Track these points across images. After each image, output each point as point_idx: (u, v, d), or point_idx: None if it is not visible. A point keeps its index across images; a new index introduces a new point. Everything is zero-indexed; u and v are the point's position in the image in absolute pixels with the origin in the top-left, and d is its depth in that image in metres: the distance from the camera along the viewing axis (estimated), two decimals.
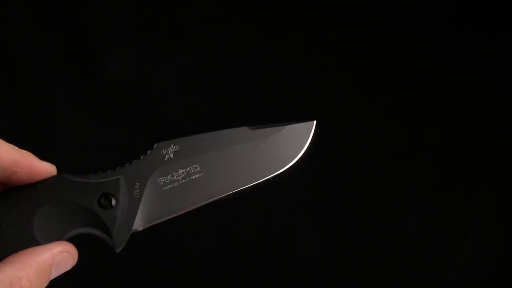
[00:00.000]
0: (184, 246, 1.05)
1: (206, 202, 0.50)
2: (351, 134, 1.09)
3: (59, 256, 0.48)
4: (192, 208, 0.50)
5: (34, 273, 0.46)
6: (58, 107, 1.07)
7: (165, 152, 0.49)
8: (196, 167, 0.50)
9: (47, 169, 0.51)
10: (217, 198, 0.50)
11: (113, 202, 0.47)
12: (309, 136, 0.52)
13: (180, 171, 0.49)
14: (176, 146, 0.50)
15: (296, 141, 0.52)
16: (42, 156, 0.53)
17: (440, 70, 1.11)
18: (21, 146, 1.08)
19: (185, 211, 0.50)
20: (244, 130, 0.51)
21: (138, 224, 0.48)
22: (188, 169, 0.49)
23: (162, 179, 0.49)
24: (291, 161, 0.51)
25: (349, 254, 1.07)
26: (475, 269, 1.07)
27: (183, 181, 0.49)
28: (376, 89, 1.11)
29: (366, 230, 1.08)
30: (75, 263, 0.49)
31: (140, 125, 1.07)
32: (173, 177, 0.49)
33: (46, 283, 0.48)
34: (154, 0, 1.10)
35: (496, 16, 1.12)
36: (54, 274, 0.49)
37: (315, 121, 0.53)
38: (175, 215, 0.49)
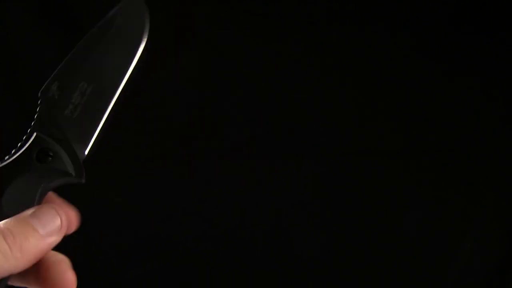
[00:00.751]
0: (184, 246, 1.05)
1: (112, 99, 0.51)
2: (351, 134, 1.09)
3: (37, 209, 0.47)
4: (108, 108, 0.50)
5: (12, 222, 0.46)
6: None
7: (51, 94, 0.51)
8: (83, 85, 0.50)
9: None
10: (117, 91, 0.51)
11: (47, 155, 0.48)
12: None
13: (74, 95, 0.50)
14: (55, 83, 0.51)
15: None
16: None
17: (440, 70, 1.11)
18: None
19: (103, 115, 0.51)
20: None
21: (81, 153, 0.49)
22: (78, 91, 0.50)
23: (67, 112, 0.50)
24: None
25: (349, 254, 1.07)
26: (475, 269, 1.07)
27: (83, 100, 0.50)
28: (376, 89, 1.11)
29: (366, 230, 1.08)
30: (65, 219, 0.49)
31: (140, 125, 1.07)
32: (74, 104, 0.50)
33: (34, 236, 0.47)
34: (154, 0, 1.10)
35: (496, 16, 1.12)
36: (41, 228, 0.47)
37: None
38: (99, 124, 0.50)
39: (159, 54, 1.10)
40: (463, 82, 1.11)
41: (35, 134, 0.49)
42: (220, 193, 1.08)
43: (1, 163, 0.48)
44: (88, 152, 0.50)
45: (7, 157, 0.48)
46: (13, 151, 0.48)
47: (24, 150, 0.48)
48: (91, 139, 0.50)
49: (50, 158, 0.48)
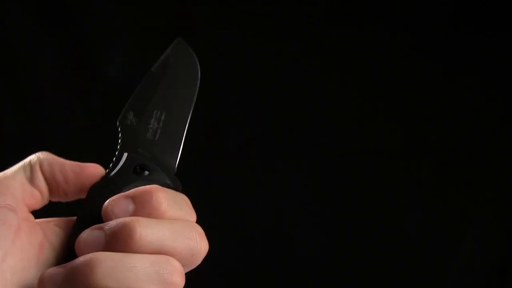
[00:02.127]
0: None
1: (187, 121, 0.57)
2: (351, 134, 1.09)
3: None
4: (185, 128, 0.57)
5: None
6: (58, 107, 1.07)
7: (129, 122, 0.56)
8: (157, 112, 0.56)
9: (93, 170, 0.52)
10: (189, 114, 0.58)
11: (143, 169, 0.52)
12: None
13: (151, 121, 0.55)
14: (130, 112, 0.56)
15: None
16: None
17: (440, 70, 1.11)
18: (21, 146, 1.08)
19: (181, 136, 0.56)
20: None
21: (172, 168, 0.55)
22: (153, 117, 0.56)
23: (148, 136, 0.55)
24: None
25: (349, 254, 1.07)
26: (475, 269, 1.07)
27: (160, 125, 0.56)
28: (376, 89, 1.11)
29: (366, 230, 1.08)
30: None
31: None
32: (153, 129, 0.55)
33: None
34: (154, 0, 1.10)
35: (496, 16, 1.12)
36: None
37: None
38: (181, 143, 0.56)
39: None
40: (463, 82, 1.11)
41: (126, 154, 0.53)
42: (220, 193, 1.08)
43: (100, 180, 0.51)
44: (176, 168, 0.55)
45: (103, 175, 0.52)
46: (107, 171, 0.52)
47: (121, 167, 0.52)
48: (177, 155, 0.55)
49: (148, 172, 0.52)
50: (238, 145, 1.09)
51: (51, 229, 0.50)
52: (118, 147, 0.54)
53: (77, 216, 0.50)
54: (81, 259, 0.45)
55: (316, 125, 1.10)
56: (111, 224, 0.46)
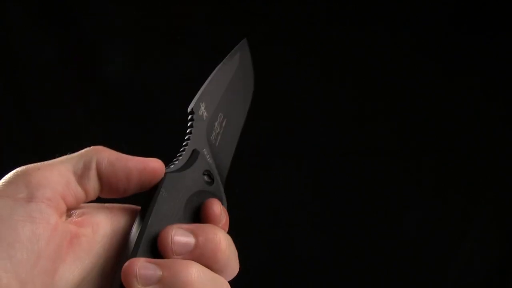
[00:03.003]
0: None
1: (237, 137, 0.55)
2: (351, 134, 1.09)
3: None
4: (236, 144, 0.55)
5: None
6: (58, 107, 1.07)
7: (201, 113, 0.53)
8: (221, 115, 0.54)
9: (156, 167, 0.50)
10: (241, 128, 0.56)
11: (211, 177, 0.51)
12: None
13: (215, 124, 0.53)
14: (203, 103, 0.54)
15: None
16: (42, 157, 0.53)
17: (440, 70, 1.11)
18: (21, 146, 1.08)
19: (232, 150, 0.55)
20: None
21: (224, 183, 0.53)
22: (218, 120, 0.54)
23: (212, 138, 0.53)
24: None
25: (349, 254, 1.08)
26: (475, 269, 1.07)
27: (221, 130, 0.54)
28: (376, 89, 1.11)
29: (366, 230, 1.08)
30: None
31: (140, 125, 1.07)
32: (216, 132, 0.53)
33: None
34: (154, 0, 1.10)
35: (496, 16, 1.12)
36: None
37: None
38: (231, 157, 0.54)
39: (159, 54, 1.10)
40: (463, 82, 1.11)
41: (197, 152, 0.51)
42: None
43: (172, 174, 0.49)
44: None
45: (173, 167, 0.50)
46: (175, 161, 0.50)
47: (194, 167, 0.50)
48: (228, 166, 0.54)
49: (213, 183, 0.51)
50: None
51: (89, 222, 0.47)
52: (189, 136, 0.52)
53: (141, 210, 0.47)
54: (181, 264, 0.44)
55: (316, 125, 1.10)
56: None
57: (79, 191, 0.47)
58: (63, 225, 0.45)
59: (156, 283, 0.44)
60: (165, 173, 0.48)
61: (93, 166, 0.47)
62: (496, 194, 1.09)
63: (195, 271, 0.45)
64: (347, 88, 1.11)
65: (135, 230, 0.46)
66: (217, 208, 0.48)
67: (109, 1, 1.10)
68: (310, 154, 1.09)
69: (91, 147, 0.48)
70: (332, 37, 1.11)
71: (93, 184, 0.47)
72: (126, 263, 0.43)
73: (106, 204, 0.49)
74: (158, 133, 1.07)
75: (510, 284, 1.07)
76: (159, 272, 0.44)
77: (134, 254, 0.44)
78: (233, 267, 0.48)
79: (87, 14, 1.08)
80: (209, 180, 0.50)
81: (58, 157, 0.48)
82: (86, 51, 1.09)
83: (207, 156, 0.51)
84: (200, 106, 0.53)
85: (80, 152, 0.48)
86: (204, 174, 0.50)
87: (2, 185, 0.45)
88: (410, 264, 1.07)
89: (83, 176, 0.46)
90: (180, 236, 0.45)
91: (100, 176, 0.47)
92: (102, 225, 0.47)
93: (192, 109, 0.52)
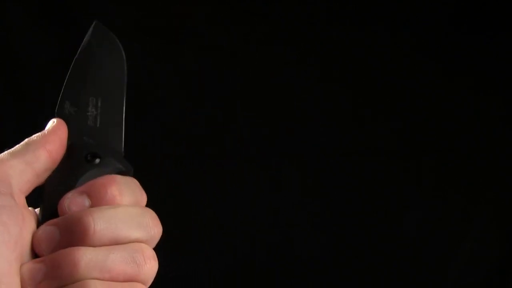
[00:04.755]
0: (181, 247, 1.05)
1: (123, 107, 0.57)
2: (351, 134, 1.09)
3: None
4: (123, 111, 0.57)
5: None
6: None
7: (67, 111, 0.55)
8: (93, 99, 0.56)
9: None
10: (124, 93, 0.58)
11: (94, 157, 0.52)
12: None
13: (88, 109, 0.55)
14: (67, 102, 0.56)
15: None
16: None
17: (440, 70, 1.11)
18: None
19: (122, 119, 0.56)
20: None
21: (120, 152, 0.54)
22: (90, 105, 0.56)
23: (90, 123, 0.55)
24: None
25: (349, 254, 1.07)
26: (475, 269, 1.07)
27: (98, 111, 0.56)
28: (376, 89, 1.11)
29: (366, 230, 1.08)
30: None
31: (140, 125, 1.07)
32: (92, 116, 0.55)
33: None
34: (154, 0, 1.10)
35: (496, 16, 1.12)
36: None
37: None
38: (122, 125, 0.56)
39: (159, 54, 1.10)
40: (463, 82, 1.11)
41: (73, 143, 0.53)
42: (220, 193, 1.08)
43: (54, 173, 0.51)
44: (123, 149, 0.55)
45: (56, 167, 0.52)
46: (60, 162, 0.52)
47: (73, 157, 0.52)
48: (122, 139, 0.55)
49: (99, 159, 0.52)
50: (238, 144, 1.09)
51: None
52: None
53: (39, 210, 0.50)
54: (61, 254, 0.46)
55: (316, 125, 1.10)
56: (66, 219, 0.47)
57: (31, 176, 0.49)
58: (28, 211, 0.49)
59: (43, 280, 0.46)
60: (56, 170, 0.51)
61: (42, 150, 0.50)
62: (496, 194, 1.09)
63: (76, 253, 0.46)
64: (347, 88, 1.11)
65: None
66: (65, 205, 0.48)
67: (109, 1, 1.10)
68: (310, 154, 1.09)
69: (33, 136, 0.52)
70: (332, 37, 1.11)
71: (43, 166, 0.50)
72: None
73: None
74: (158, 132, 1.07)
75: (510, 284, 1.07)
76: (43, 269, 0.46)
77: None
78: (128, 231, 0.49)
79: (87, 14, 1.08)
80: (95, 159, 0.52)
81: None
82: None
83: (90, 141, 0.53)
84: (64, 106, 0.56)
85: (24, 141, 0.52)
86: (87, 157, 0.52)
87: None
88: (410, 264, 1.07)
89: (33, 161, 0.50)
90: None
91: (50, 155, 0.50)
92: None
93: (56, 113, 0.55)
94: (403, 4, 1.11)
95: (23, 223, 0.47)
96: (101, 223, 0.47)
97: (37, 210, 0.51)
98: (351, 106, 1.10)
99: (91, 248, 0.46)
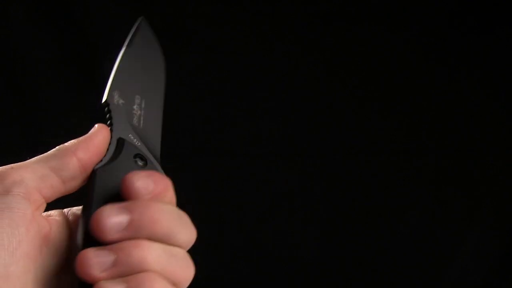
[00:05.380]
0: None
1: (162, 110, 0.57)
2: (351, 134, 1.09)
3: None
4: (161, 118, 0.56)
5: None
6: (58, 107, 1.07)
7: (116, 101, 0.53)
8: (138, 98, 0.55)
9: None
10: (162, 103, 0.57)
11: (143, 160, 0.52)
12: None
13: (134, 107, 0.54)
14: (116, 91, 0.54)
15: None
16: None
17: (440, 70, 1.11)
18: (21, 146, 1.08)
19: (159, 127, 0.56)
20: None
21: (159, 160, 0.53)
22: (136, 103, 0.55)
23: (134, 122, 0.54)
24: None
25: (349, 254, 1.08)
26: (475, 269, 1.07)
27: (142, 112, 0.55)
28: (376, 89, 1.11)
29: (366, 230, 1.08)
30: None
31: None
32: (136, 115, 0.54)
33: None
34: (154, 0, 1.10)
35: (496, 16, 1.12)
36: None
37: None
38: (160, 132, 0.55)
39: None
40: (463, 82, 1.11)
41: (122, 140, 0.52)
42: (220, 192, 1.08)
43: (102, 169, 0.50)
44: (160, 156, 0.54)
45: (102, 162, 0.51)
46: (105, 155, 0.51)
47: (122, 156, 0.51)
48: (159, 146, 0.54)
49: (146, 163, 0.51)
50: (238, 144, 1.09)
51: (55, 221, 0.49)
52: (111, 128, 0.52)
53: (83, 209, 0.49)
54: (132, 245, 0.46)
55: (316, 125, 1.10)
56: (136, 205, 0.47)
57: (55, 181, 0.49)
58: (40, 218, 0.48)
59: (112, 267, 0.45)
60: (95, 169, 0.50)
61: (72, 157, 0.49)
62: (496, 194, 1.09)
63: (146, 246, 0.46)
64: (347, 88, 1.11)
65: (80, 230, 0.48)
66: (134, 180, 0.48)
67: (109, 1, 1.10)
68: (310, 154, 1.09)
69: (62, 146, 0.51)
70: (332, 37, 1.11)
71: (71, 174, 0.49)
72: (77, 257, 0.46)
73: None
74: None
75: (510, 284, 1.07)
76: (112, 256, 0.46)
77: (80, 248, 0.46)
78: (183, 233, 0.49)
79: (87, 14, 1.08)
80: (142, 163, 0.51)
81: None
82: (86, 51, 1.09)
83: (135, 140, 0.52)
84: (114, 95, 0.53)
85: (52, 150, 0.50)
86: (135, 158, 0.51)
87: None
88: (410, 264, 1.07)
89: (59, 167, 0.49)
90: (113, 216, 0.47)
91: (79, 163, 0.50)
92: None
93: (106, 100, 0.53)
94: (403, 4, 1.11)
95: (30, 225, 0.47)
96: (166, 216, 0.47)
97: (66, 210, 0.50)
98: (351, 106, 1.10)
99: (159, 244, 0.46)
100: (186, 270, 0.48)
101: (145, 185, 0.47)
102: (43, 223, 0.48)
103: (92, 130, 0.52)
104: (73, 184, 0.49)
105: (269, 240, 1.08)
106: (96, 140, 0.51)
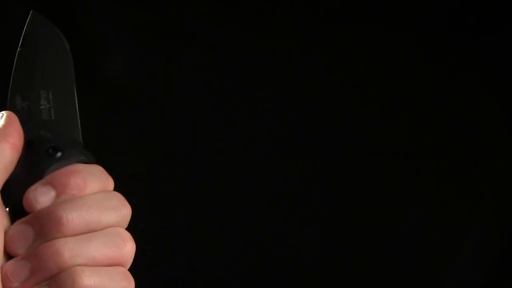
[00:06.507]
0: (181, 247, 1.05)
1: (75, 98, 0.57)
2: (351, 134, 1.09)
3: None
4: (75, 101, 0.56)
5: None
6: None
7: (19, 107, 0.54)
8: (43, 93, 0.55)
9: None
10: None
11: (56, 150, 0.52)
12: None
13: (40, 103, 0.55)
14: (17, 96, 0.55)
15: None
16: None
17: (440, 70, 1.11)
18: None
19: (76, 111, 0.57)
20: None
21: (80, 143, 0.55)
22: (42, 98, 0.55)
23: (44, 117, 0.54)
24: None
25: (349, 254, 1.07)
26: (475, 269, 1.07)
27: (51, 103, 0.55)
28: (376, 89, 1.11)
29: (366, 230, 1.08)
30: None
31: (140, 125, 1.07)
32: (45, 109, 0.54)
33: None
34: (154, 0, 1.10)
35: (496, 16, 1.12)
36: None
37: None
38: (77, 116, 0.56)
39: (158, 54, 1.10)
40: (463, 82, 1.11)
41: (32, 139, 0.52)
42: (220, 192, 1.08)
43: (17, 169, 0.51)
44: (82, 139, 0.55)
45: (17, 169, 0.51)
46: (19, 160, 0.51)
47: (34, 153, 0.51)
48: (79, 130, 0.55)
49: (61, 153, 0.51)
50: (238, 144, 1.09)
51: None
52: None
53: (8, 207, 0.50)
54: (44, 248, 0.47)
55: (316, 125, 1.10)
56: (36, 216, 0.48)
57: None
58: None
59: (31, 276, 0.47)
60: (9, 181, 0.50)
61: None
62: (496, 194, 1.09)
63: (59, 245, 0.47)
64: (347, 88, 1.11)
65: None
66: (30, 196, 0.49)
67: (109, 1, 1.10)
68: (310, 154, 1.09)
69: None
70: (332, 37, 1.11)
71: (9, 158, 0.50)
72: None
73: None
74: (157, 132, 1.07)
75: (510, 284, 1.07)
76: (28, 265, 0.47)
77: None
78: (106, 216, 0.50)
79: (87, 14, 1.08)
80: (58, 152, 0.51)
81: None
82: (86, 51, 1.08)
83: (48, 134, 0.52)
84: (15, 101, 0.54)
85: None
86: (49, 151, 0.51)
87: None
88: (410, 264, 1.07)
89: None
90: (19, 232, 0.48)
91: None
92: None
93: (8, 109, 0.53)
94: (403, 4, 1.11)
95: None
96: (72, 212, 0.48)
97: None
98: (351, 106, 1.10)
99: (71, 238, 0.47)
100: (120, 248, 0.49)
101: (43, 194, 0.49)
102: (5, 216, 0.49)
103: (5, 117, 0.52)
104: (12, 168, 0.50)
105: (269, 240, 1.08)
106: (15, 124, 0.51)
